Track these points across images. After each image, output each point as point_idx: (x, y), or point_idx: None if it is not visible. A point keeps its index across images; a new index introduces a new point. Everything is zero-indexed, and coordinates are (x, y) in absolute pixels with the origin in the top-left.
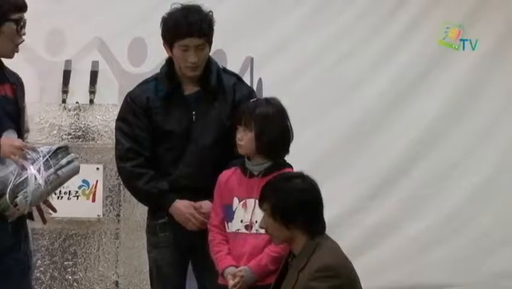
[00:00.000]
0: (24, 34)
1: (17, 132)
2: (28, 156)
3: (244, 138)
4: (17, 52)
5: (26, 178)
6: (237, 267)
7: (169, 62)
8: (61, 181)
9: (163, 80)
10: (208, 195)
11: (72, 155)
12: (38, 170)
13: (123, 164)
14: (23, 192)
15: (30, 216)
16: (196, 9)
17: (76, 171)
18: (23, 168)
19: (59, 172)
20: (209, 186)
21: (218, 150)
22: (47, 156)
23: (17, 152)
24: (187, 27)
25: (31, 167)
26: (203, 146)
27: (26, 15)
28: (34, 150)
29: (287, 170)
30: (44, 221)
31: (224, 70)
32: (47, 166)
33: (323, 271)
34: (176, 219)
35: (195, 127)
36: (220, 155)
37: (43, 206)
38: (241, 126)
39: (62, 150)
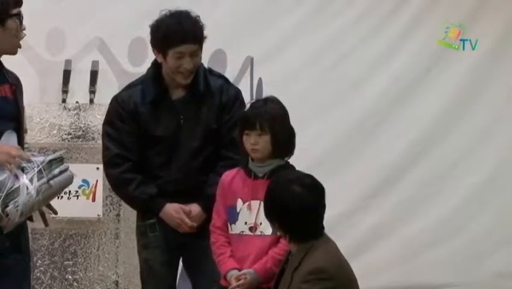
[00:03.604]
0: (24, 29)
1: (17, 132)
2: (22, 166)
3: (260, 142)
4: (20, 47)
5: (18, 188)
6: (239, 269)
7: (155, 65)
8: (53, 191)
9: (150, 84)
10: (196, 198)
11: (66, 164)
12: (31, 180)
13: (110, 170)
14: (14, 201)
15: (29, 217)
16: (186, 16)
17: (69, 181)
18: (16, 177)
19: (51, 182)
20: (198, 189)
21: (206, 152)
22: (40, 166)
23: (13, 161)
24: (183, 34)
25: (24, 176)
26: (191, 149)
27: (26, 14)
28: (28, 160)
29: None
30: (46, 224)
31: (210, 71)
32: (40, 176)
33: (314, 273)
34: (167, 223)
35: (183, 131)
36: (208, 158)
37: (44, 208)
38: (254, 130)
39: (57, 160)
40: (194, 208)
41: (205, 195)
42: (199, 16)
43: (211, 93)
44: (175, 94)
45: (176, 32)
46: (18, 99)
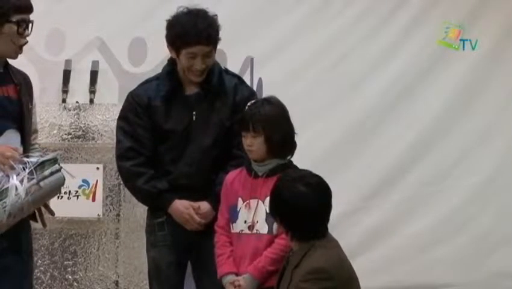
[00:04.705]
0: (27, 36)
1: (21, 132)
2: (15, 166)
3: (255, 143)
4: (20, 53)
5: (7, 188)
6: (236, 273)
7: (171, 61)
8: (44, 192)
9: (165, 79)
10: (207, 195)
11: (57, 166)
12: (21, 181)
13: (123, 162)
14: (2, 202)
15: (33, 217)
16: (203, 15)
17: (60, 183)
18: (8, 178)
19: (41, 183)
20: (208, 186)
21: (218, 150)
22: (32, 168)
23: (6, 162)
24: (197, 36)
25: (14, 177)
26: (203, 145)
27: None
28: (22, 161)
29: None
30: (44, 225)
31: (226, 71)
32: (30, 177)
33: (314, 273)
34: (175, 219)
35: (195, 127)
36: (219, 155)
37: (42, 208)
38: (248, 132)
39: (51, 161)
40: (204, 205)
41: (214, 193)
42: (216, 15)
43: (225, 91)
44: (189, 89)
45: (190, 33)
46: (23, 99)
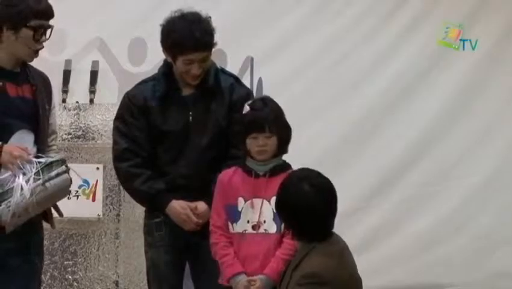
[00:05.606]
0: (44, 41)
1: (35, 133)
2: (23, 166)
3: (269, 144)
4: (36, 57)
5: (12, 188)
6: (246, 272)
7: (167, 62)
8: (50, 193)
9: (161, 80)
10: (204, 195)
11: (63, 167)
12: (27, 181)
13: (119, 164)
14: (7, 201)
15: (45, 218)
16: (197, 20)
17: (66, 184)
18: (15, 177)
19: (47, 184)
20: (206, 186)
21: (215, 150)
22: (39, 168)
23: (14, 161)
24: (193, 44)
25: (21, 177)
26: (200, 146)
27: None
28: (29, 161)
29: (289, 169)
30: (53, 225)
31: (223, 70)
32: (37, 178)
33: (307, 278)
34: (172, 219)
35: (192, 127)
36: (216, 155)
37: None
38: (263, 133)
39: (58, 162)
40: (201, 205)
41: (211, 193)
42: (210, 17)
43: (221, 90)
44: (185, 90)
45: (187, 42)
46: (38, 100)
